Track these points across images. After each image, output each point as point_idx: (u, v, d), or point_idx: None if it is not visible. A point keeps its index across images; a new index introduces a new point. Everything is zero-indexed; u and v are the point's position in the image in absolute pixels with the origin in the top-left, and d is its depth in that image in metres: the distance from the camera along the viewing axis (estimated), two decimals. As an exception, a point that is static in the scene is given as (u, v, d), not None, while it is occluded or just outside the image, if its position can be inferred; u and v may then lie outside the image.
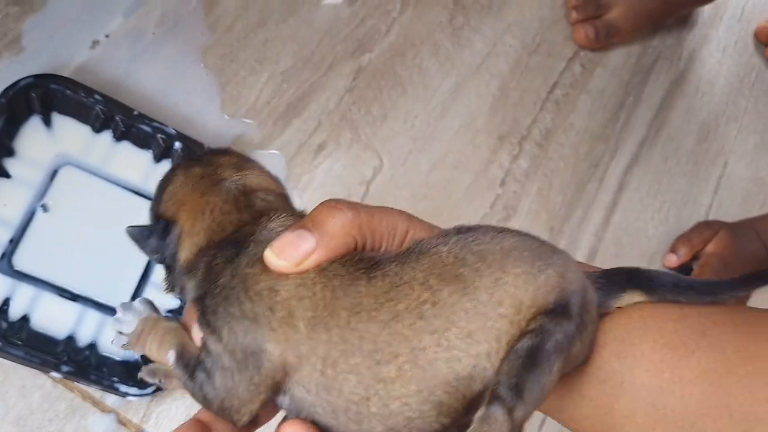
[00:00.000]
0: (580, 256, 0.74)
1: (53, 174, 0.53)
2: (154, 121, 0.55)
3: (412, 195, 0.67)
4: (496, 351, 0.25)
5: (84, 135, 0.55)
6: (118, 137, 0.55)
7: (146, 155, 0.56)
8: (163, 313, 0.32)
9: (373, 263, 0.27)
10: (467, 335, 0.25)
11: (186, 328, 0.30)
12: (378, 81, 0.69)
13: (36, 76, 0.52)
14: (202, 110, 0.60)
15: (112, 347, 0.52)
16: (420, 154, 0.69)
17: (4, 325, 0.48)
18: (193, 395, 0.29)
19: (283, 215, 0.30)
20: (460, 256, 0.26)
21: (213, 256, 0.29)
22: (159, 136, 0.56)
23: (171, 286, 0.32)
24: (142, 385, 0.50)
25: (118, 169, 0.55)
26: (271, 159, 0.62)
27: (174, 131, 0.56)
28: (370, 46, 0.69)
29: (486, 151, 0.72)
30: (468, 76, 0.74)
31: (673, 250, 0.79)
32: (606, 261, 0.75)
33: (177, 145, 0.56)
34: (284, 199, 0.32)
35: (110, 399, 0.51)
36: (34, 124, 0.53)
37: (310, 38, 0.66)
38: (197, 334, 0.29)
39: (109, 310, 0.52)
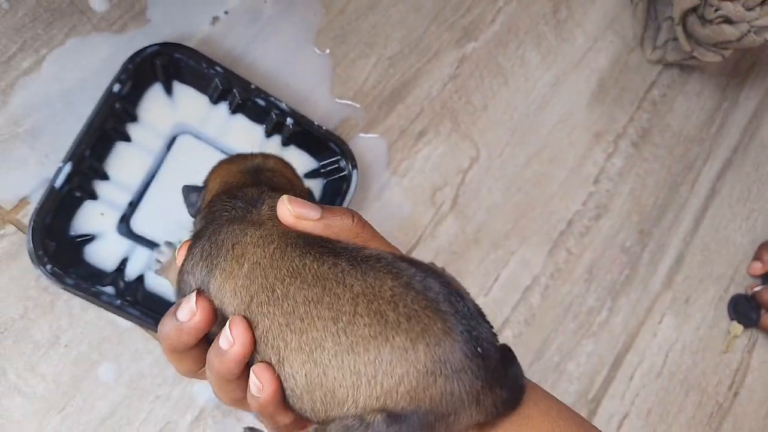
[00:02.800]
0: (668, 260, 0.71)
1: (171, 141, 0.53)
2: (270, 96, 0.55)
3: (506, 187, 0.65)
4: (368, 402, 0.26)
5: (202, 105, 0.54)
6: (234, 110, 0.55)
7: (259, 129, 0.56)
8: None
9: (332, 251, 0.29)
10: (356, 371, 0.26)
11: None
12: (480, 70, 0.67)
13: (161, 45, 0.52)
14: (313, 91, 0.59)
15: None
16: (517, 146, 0.67)
17: (122, 284, 0.48)
18: None
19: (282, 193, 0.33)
20: (395, 299, 0.27)
21: (216, 205, 0.34)
22: (273, 111, 0.55)
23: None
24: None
25: (231, 141, 0.55)
26: (374, 143, 0.61)
27: (287, 107, 0.55)
28: (475, 34, 0.67)
29: (582, 147, 0.70)
30: (568, 70, 0.71)
31: (757, 257, 0.75)
32: (693, 267, 0.72)
33: (289, 121, 0.55)
34: (291, 185, 0.38)
35: (214, 363, 0.51)
36: (156, 91, 0.53)
37: (418, 24, 0.65)
38: (179, 257, 0.33)
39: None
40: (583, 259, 0.67)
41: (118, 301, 0.47)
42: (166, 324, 0.30)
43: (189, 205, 0.40)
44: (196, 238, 0.33)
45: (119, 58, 0.52)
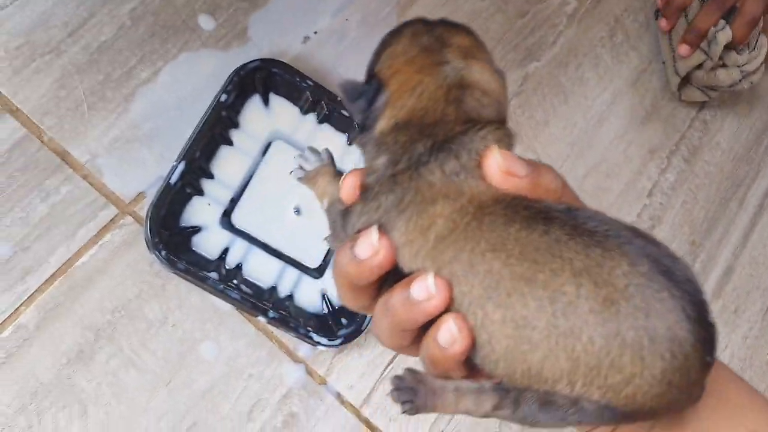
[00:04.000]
0: (718, 271, 0.73)
1: (266, 146, 0.58)
2: (354, 108, 0.59)
3: (566, 196, 0.68)
4: (587, 389, 0.23)
5: (294, 115, 0.59)
6: (321, 119, 0.59)
7: (342, 138, 0.60)
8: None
9: (543, 215, 0.25)
10: (574, 358, 0.23)
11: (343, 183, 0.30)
12: (543, 88, 0.70)
13: (261, 60, 0.57)
14: (390, 102, 0.63)
15: (306, 300, 0.56)
16: (576, 159, 0.70)
17: (224, 270, 0.53)
18: (329, 242, 0.32)
19: (495, 128, 0.28)
20: (629, 291, 0.22)
21: (404, 139, 0.28)
22: (355, 122, 0.59)
23: (360, 144, 0.31)
24: (330, 336, 0.54)
25: (318, 148, 0.59)
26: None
27: (369, 118, 0.59)
28: (538, 55, 0.71)
29: (637, 162, 0.72)
30: (624, 89, 0.74)
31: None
32: (742, 278, 0.74)
33: (370, 131, 0.60)
34: (498, 107, 0.30)
35: (302, 351, 0.55)
36: (255, 101, 0.58)
37: (486, 45, 0.68)
38: (348, 191, 0.29)
39: (304, 269, 0.56)
40: (637, 267, 0.69)
41: (221, 286, 0.51)
42: (343, 259, 0.27)
43: (354, 110, 0.31)
44: (372, 184, 0.28)
45: (224, 71, 0.57)
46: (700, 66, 0.70)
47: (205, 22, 0.58)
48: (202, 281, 0.51)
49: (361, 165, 0.31)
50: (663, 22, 0.73)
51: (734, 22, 0.66)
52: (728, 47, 0.67)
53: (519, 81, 0.69)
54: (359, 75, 0.62)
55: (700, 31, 0.68)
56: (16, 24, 0.52)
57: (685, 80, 0.73)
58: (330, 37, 0.62)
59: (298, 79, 0.58)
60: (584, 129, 0.71)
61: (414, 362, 0.29)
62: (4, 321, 0.48)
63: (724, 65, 0.68)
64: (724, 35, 0.65)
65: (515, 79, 0.69)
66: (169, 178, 0.51)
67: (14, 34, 0.52)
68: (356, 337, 0.55)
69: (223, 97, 0.55)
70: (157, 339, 0.51)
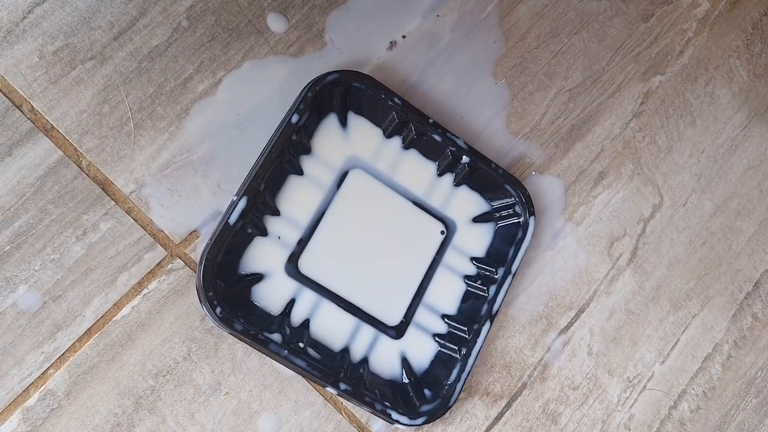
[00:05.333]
0: None
1: (342, 176, 0.47)
2: (448, 131, 0.48)
3: (690, 240, 0.56)
4: None
5: (375, 138, 0.48)
6: (407, 145, 0.48)
7: (431, 167, 0.49)
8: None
9: None
10: None
11: None
12: (666, 107, 0.57)
13: (340, 72, 0.46)
14: (488, 126, 0.52)
15: (382, 365, 0.45)
16: (703, 194, 0.57)
17: (288, 330, 0.43)
18: None
19: None
20: None
21: None
22: (449, 148, 0.48)
23: None
24: (413, 414, 0.44)
25: (402, 178, 0.48)
26: (550, 185, 0.53)
27: (465, 144, 0.48)
28: (662, 67, 0.58)
29: (774, 198, 0.59)
30: (761, 110, 0.60)
31: None
32: None
33: (465, 159, 0.48)
34: None
35: (375, 425, 0.45)
36: (331, 122, 0.47)
37: (602, 54, 0.56)
38: None
39: (381, 327, 0.46)
40: (771, 327, 0.57)
41: (285, 351, 0.42)
42: None
43: None
44: None
45: (294, 82, 0.47)
46: None
47: (275, 23, 0.48)
48: (263, 345, 0.41)
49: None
50: None
51: None
52: None
53: (639, 98, 0.57)
54: (451, 88, 0.51)
55: None
56: (54, 23, 0.43)
57: None
58: (420, 41, 0.51)
59: (383, 96, 0.47)
60: (713, 157, 0.58)
61: None
62: (29, 386, 0.39)
63: None
64: None
65: (635, 96, 0.57)
66: (228, 217, 0.42)
67: (52, 36, 0.43)
68: (443, 414, 0.44)
69: (294, 118, 0.44)
70: (206, 409, 0.42)
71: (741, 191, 0.58)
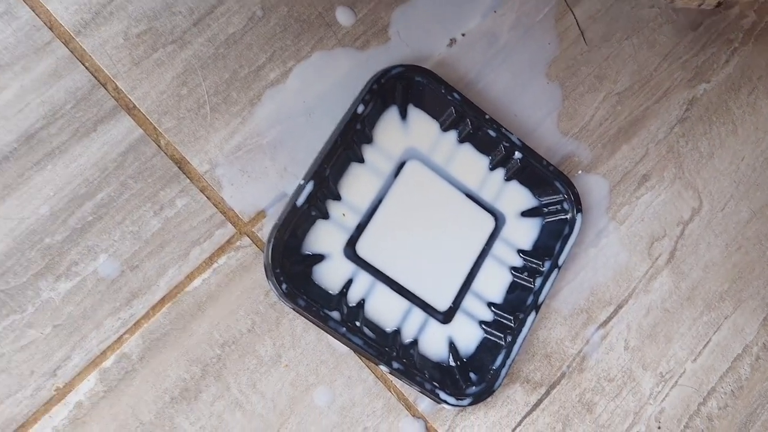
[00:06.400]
0: None
1: (400, 166, 0.48)
2: (502, 127, 0.49)
3: (726, 244, 0.57)
4: None
5: (433, 131, 0.49)
6: (462, 138, 0.50)
7: (484, 161, 0.50)
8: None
9: None
10: None
11: None
12: (710, 115, 0.58)
13: (405, 66, 0.47)
14: (539, 124, 0.53)
15: (431, 348, 0.47)
16: (741, 200, 0.58)
17: (346, 309, 0.44)
18: None
19: None
20: None
21: None
22: (503, 143, 0.49)
23: None
24: (459, 395, 0.45)
25: (456, 171, 0.50)
26: (596, 184, 0.54)
27: (519, 141, 0.49)
28: (708, 75, 0.58)
29: (809, 208, 0.60)
30: (801, 122, 0.61)
31: None
32: None
33: (517, 155, 0.49)
34: None
35: (422, 405, 0.47)
36: (392, 113, 0.49)
37: (650, 60, 0.57)
38: None
39: (431, 311, 0.47)
40: (799, 332, 0.58)
41: (344, 329, 0.43)
42: None
43: None
44: None
45: (358, 74, 0.48)
46: None
47: (344, 17, 0.49)
48: (323, 321, 0.43)
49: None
50: None
51: None
52: None
53: (684, 105, 0.57)
54: (506, 86, 0.52)
55: None
56: (138, 7, 0.44)
57: None
58: (479, 40, 0.52)
59: (443, 91, 0.48)
60: (752, 166, 0.59)
61: None
62: (106, 349, 0.41)
63: None
64: None
65: (680, 102, 0.57)
66: (296, 200, 0.43)
67: (137, 19, 0.44)
68: (487, 397, 0.46)
69: (360, 108, 0.45)
70: (266, 379, 0.44)
71: (777, 200, 0.59)
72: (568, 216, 0.50)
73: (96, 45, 0.43)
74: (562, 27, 0.55)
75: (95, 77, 0.43)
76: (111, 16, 0.43)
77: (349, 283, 0.46)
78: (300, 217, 0.44)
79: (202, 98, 0.45)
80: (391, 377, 0.46)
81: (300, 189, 0.43)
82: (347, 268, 0.46)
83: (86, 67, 0.42)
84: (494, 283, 0.49)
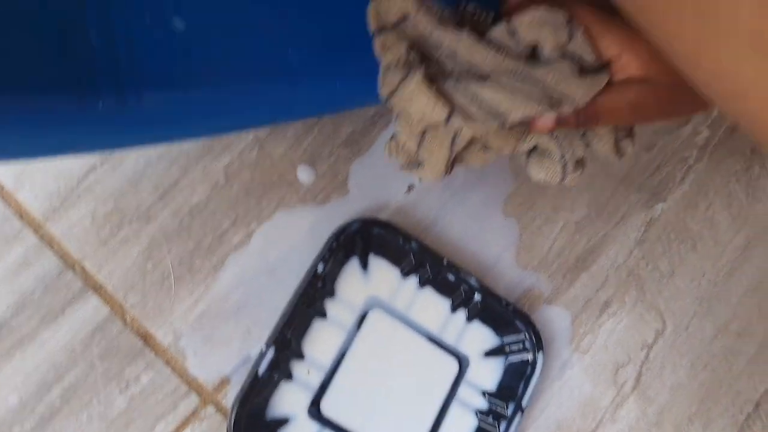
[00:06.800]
0: None
1: (362, 316, 0.49)
2: (461, 270, 0.50)
3: (692, 364, 0.57)
4: None
5: (394, 278, 0.51)
6: (423, 283, 0.51)
7: (445, 303, 0.51)
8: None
9: None
10: None
11: None
12: (668, 234, 0.59)
13: (363, 221, 0.49)
14: (499, 260, 0.54)
15: (399, 503, 0.47)
16: (704, 317, 0.59)
17: (312, 471, 0.45)
18: None
19: None
20: None
21: None
22: (462, 286, 0.50)
23: None
24: None
25: (418, 315, 0.51)
26: (557, 316, 0.55)
27: (477, 283, 0.51)
28: (664, 195, 0.60)
29: (773, 319, 0.60)
30: (759, 232, 0.62)
31: None
32: None
33: (477, 297, 0.51)
34: None
35: None
36: (353, 265, 0.50)
37: (606, 185, 0.58)
38: None
39: (398, 461, 0.48)
40: (772, 448, 0.58)
41: (309, 495, 0.44)
42: None
43: None
44: None
45: (320, 228, 0.50)
46: None
47: (304, 175, 0.51)
48: (288, 490, 0.43)
49: None
50: None
51: None
52: None
53: (642, 227, 0.59)
54: (464, 226, 0.54)
55: None
56: (105, 188, 0.46)
57: None
58: (435, 184, 0.54)
59: (401, 241, 0.49)
60: (713, 281, 0.60)
61: None
62: None
63: None
64: None
65: (638, 224, 0.59)
66: (257, 369, 0.44)
67: (103, 200, 0.46)
68: None
69: (320, 268, 0.47)
70: None
71: (740, 313, 0.60)
72: (530, 357, 0.51)
73: (64, 229, 0.45)
74: (516, 163, 0.56)
75: (63, 261, 0.44)
76: (78, 200, 0.45)
77: (315, 443, 0.47)
78: (262, 386, 0.45)
79: (167, 270, 0.46)
80: None
81: (261, 357, 0.44)
82: (312, 429, 0.47)
83: (54, 252, 0.44)
84: (460, 429, 0.50)
